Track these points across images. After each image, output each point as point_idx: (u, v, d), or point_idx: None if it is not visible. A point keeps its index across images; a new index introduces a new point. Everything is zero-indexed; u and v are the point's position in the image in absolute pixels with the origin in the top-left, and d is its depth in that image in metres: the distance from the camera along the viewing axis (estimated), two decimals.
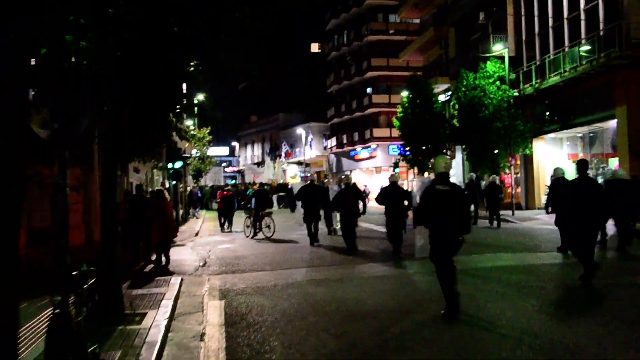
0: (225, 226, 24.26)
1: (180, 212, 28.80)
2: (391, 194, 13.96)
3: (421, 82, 34.39)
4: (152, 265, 13.51)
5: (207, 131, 37.72)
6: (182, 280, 10.93)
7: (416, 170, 37.24)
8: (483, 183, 25.61)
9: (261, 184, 22.34)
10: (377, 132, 53.85)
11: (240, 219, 22.93)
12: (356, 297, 9.12)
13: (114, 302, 7.60)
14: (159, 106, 8.26)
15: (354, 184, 16.28)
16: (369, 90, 55.65)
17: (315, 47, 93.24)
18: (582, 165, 9.82)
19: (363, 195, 16.05)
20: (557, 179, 13.61)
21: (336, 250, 15.34)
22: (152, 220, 13.28)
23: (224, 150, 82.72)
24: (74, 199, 19.47)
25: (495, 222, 20.82)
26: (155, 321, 7.46)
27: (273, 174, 53.69)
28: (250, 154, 79.89)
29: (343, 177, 14.60)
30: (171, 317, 7.96)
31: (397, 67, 53.40)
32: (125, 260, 13.33)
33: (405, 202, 14.07)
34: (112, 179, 7.93)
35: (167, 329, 7.33)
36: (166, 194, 14.49)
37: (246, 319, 7.95)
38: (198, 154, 38.19)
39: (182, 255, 15.89)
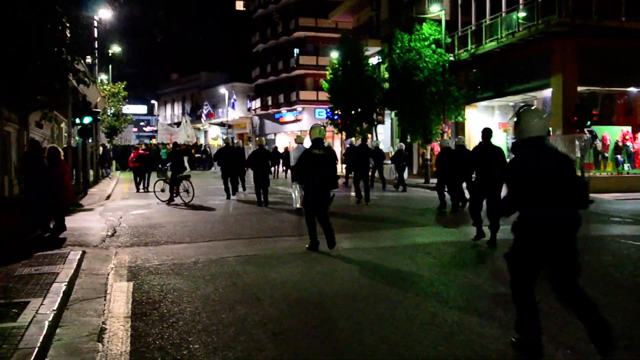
0: (141, 186, 23.10)
1: (91, 172, 26.39)
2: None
3: (352, 43, 32.93)
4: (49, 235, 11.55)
5: (122, 86, 35.00)
6: (83, 254, 9.12)
7: (344, 135, 36.08)
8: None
9: (175, 144, 20.43)
10: (304, 95, 52.33)
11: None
12: (292, 279, 7.70)
13: None
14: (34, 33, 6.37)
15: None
16: (296, 51, 53.76)
17: (240, 5, 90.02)
18: (486, 133, 10.30)
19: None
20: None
21: (273, 221, 13.85)
22: (47, 181, 11.27)
23: (141, 109, 78.82)
24: None
25: (401, 187, 22.48)
26: (39, 314, 5.72)
27: (188, 135, 51.03)
28: (170, 114, 76.44)
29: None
30: (62, 307, 6.25)
31: (326, 29, 51.84)
32: (15, 231, 11.36)
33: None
34: None
35: (54, 324, 5.63)
36: (61, 152, 12.43)
37: (159, 308, 6.35)
38: (112, 111, 35.42)
39: (88, 222, 13.92)
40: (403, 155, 23.56)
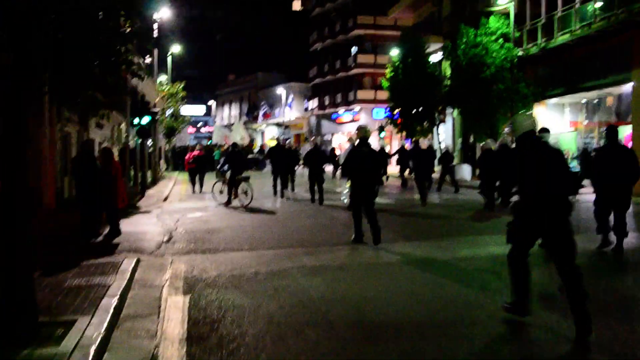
0: (196, 188, 22.80)
1: (149, 173, 26.25)
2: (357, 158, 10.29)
3: (413, 40, 31.80)
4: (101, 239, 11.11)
5: (181, 86, 34.95)
6: (137, 263, 8.54)
7: (404, 134, 34.99)
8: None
9: (235, 145, 19.84)
10: (362, 94, 51.35)
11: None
12: (366, 295, 6.86)
13: (19, 307, 5.12)
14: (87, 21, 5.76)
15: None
16: (354, 49, 52.87)
17: (297, 5, 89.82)
18: (612, 132, 9.38)
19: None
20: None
21: (331, 224, 13.07)
22: (98, 184, 10.85)
23: (199, 110, 79.49)
24: None
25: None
26: (85, 337, 5.08)
27: (242, 137, 50.93)
28: (227, 114, 76.85)
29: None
30: (111, 326, 5.61)
31: (385, 26, 50.67)
32: (69, 234, 10.94)
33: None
34: (20, 128, 5.42)
35: (101, 350, 4.98)
36: (115, 154, 12.00)
37: (218, 329, 5.63)
38: (171, 111, 35.44)
39: (145, 225, 13.48)
40: (450, 157, 23.16)
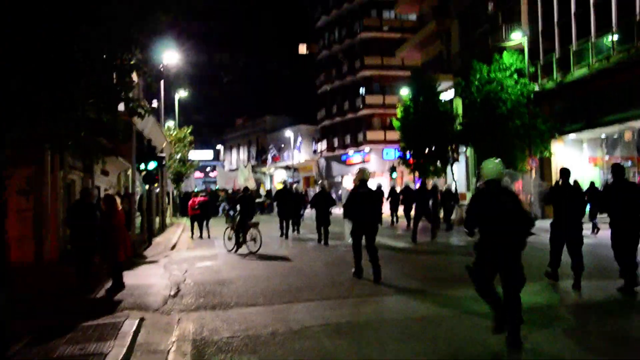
0: (203, 234, 22.27)
1: (157, 219, 25.46)
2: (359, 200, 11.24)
3: (424, 78, 31.29)
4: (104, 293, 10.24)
5: (188, 131, 34.48)
6: (140, 323, 7.66)
7: (416, 174, 34.21)
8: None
9: (246, 189, 19.22)
10: (371, 135, 50.85)
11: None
12: None
13: None
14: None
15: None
16: (362, 90, 52.62)
17: (303, 49, 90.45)
18: (618, 169, 9.57)
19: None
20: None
21: (346, 268, 12.15)
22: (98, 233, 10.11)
23: (207, 154, 79.21)
24: (23, 205, 16.11)
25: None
26: None
27: (245, 178, 49.93)
28: (235, 158, 76.48)
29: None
30: None
31: (392, 66, 50.64)
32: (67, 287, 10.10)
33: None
34: None
35: None
36: (118, 201, 11.21)
37: None
38: (179, 156, 34.86)
39: (151, 277, 12.60)
40: (453, 196, 23.64)
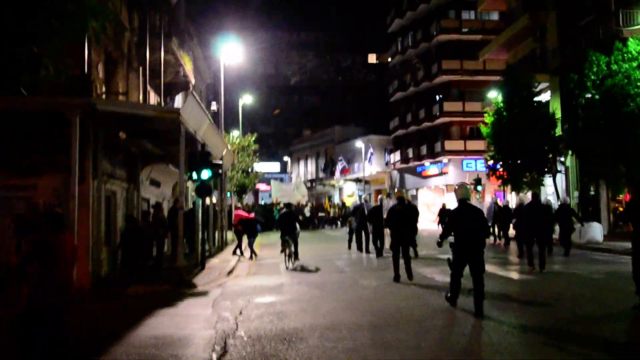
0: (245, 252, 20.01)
1: (216, 236, 22.44)
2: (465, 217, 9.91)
3: (521, 78, 27.23)
4: None
5: (253, 138, 31.55)
6: None
7: (508, 188, 30.06)
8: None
9: (288, 205, 19.26)
10: (450, 145, 46.63)
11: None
12: None
13: None
14: None
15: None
16: (438, 97, 48.59)
17: (373, 58, 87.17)
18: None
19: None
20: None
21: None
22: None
23: (274, 166, 76.79)
24: None
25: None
26: None
27: (302, 194, 46.46)
28: (303, 170, 73.60)
29: (396, 191, 15.13)
30: None
31: (473, 71, 46.54)
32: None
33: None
34: None
35: None
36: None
37: None
38: (242, 166, 31.94)
39: (192, 322, 9.33)
40: (570, 211, 19.08)
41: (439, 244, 9.91)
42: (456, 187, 9.93)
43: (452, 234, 9.47)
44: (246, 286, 13.30)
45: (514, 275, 14.01)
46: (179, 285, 13.24)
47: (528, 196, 25.23)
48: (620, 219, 12.35)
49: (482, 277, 9.00)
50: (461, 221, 9.33)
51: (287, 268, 16.48)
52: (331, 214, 48.01)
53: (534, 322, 8.55)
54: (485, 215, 10.24)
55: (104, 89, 14.62)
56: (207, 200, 18.52)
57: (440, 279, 12.72)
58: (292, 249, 17.08)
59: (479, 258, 9.09)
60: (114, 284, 13.18)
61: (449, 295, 9.64)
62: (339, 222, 45.52)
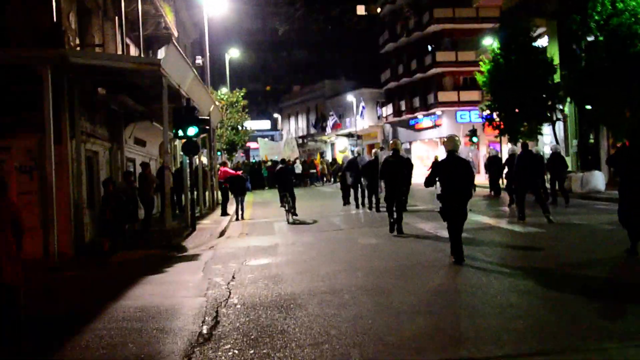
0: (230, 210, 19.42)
1: (207, 196, 21.66)
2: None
3: (517, 23, 26.14)
4: None
5: (241, 94, 30.45)
6: None
7: (505, 138, 29.26)
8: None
9: (283, 161, 19.56)
10: (443, 97, 45.52)
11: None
12: None
13: None
14: None
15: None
16: (430, 47, 47.26)
17: (361, 9, 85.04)
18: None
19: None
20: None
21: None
22: None
23: (265, 124, 75.53)
24: (25, 186, 12.38)
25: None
26: None
27: (291, 150, 45.57)
28: (294, 127, 72.47)
29: (391, 142, 14.31)
30: None
31: (466, 19, 45.07)
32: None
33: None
34: None
35: None
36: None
37: None
38: (231, 123, 30.93)
39: (181, 289, 8.65)
40: (562, 161, 18.72)
41: (427, 185, 10.12)
42: (445, 139, 10.13)
43: (440, 185, 9.79)
44: (239, 248, 12.59)
45: (518, 228, 13.34)
46: (168, 249, 12.53)
47: (518, 146, 24.68)
48: (607, 162, 11.80)
49: (462, 225, 9.41)
50: (450, 171, 9.50)
51: (287, 222, 16.61)
52: (321, 171, 47.25)
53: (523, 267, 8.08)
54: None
55: (77, 41, 13.56)
56: (196, 159, 17.60)
57: (441, 234, 12.06)
58: (291, 204, 16.95)
59: (462, 207, 9.35)
60: (98, 251, 12.42)
61: (452, 254, 9.43)
62: (331, 179, 44.93)
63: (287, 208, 16.96)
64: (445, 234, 10.17)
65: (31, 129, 11.87)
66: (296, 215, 17.04)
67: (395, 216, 12.80)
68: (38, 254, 11.70)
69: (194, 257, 11.60)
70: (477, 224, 13.91)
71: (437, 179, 9.77)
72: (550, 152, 19.51)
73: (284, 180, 17.64)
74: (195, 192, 17.82)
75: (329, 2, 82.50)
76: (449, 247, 9.57)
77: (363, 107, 53.15)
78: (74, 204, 12.44)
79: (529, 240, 11.57)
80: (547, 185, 18.39)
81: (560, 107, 26.96)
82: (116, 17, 16.31)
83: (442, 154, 31.90)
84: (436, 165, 10.33)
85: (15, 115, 12.06)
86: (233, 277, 9.15)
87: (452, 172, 9.45)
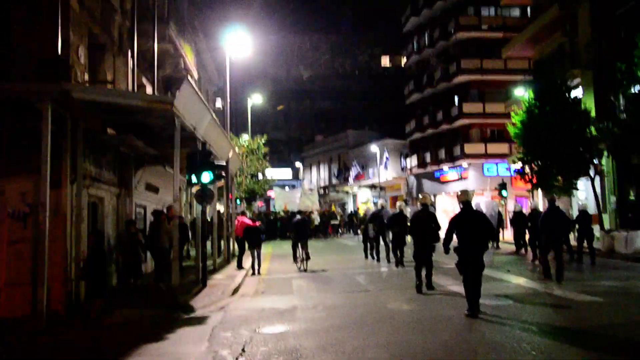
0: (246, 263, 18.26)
1: (222, 246, 20.33)
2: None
3: (554, 72, 24.96)
4: None
5: (262, 141, 29.40)
6: None
7: (537, 192, 27.70)
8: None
9: (299, 212, 15.87)
10: (469, 149, 44.20)
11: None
12: None
13: None
14: None
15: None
16: (457, 98, 46.23)
17: (386, 61, 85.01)
18: None
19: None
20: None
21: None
22: None
23: (286, 173, 74.59)
24: (17, 234, 11.16)
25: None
26: None
27: (312, 202, 44.47)
28: (315, 177, 71.38)
29: (420, 197, 13.91)
30: None
31: (493, 70, 44.15)
32: None
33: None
34: None
35: None
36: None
37: None
38: (252, 171, 29.79)
39: None
40: (588, 217, 18.41)
41: (446, 251, 10.16)
42: (459, 193, 10.42)
43: (457, 237, 9.90)
44: (253, 309, 11.14)
45: (570, 295, 11.75)
46: (173, 309, 11.13)
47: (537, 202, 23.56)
48: None
49: (480, 278, 9.59)
50: (465, 223, 9.82)
51: (300, 270, 17.37)
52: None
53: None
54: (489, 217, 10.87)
55: (87, 78, 12.54)
56: (209, 208, 16.35)
57: (488, 301, 10.55)
58: (303, 252, 17.58)
59: (478, 258, 9.53)
60: (88, 312, 11.03)
61: (468, 307, 9.55)
62: (348, 230, 44.19)
63: (300, 258, 17.75)
64: (485, 301, 8.84)
65: (28, 170, 10.75)
66: (309, 258, 17.63)
67: (425, 274, 12.51)
68: (26, 311, 10.40)
69: (201, 320, 10.18)
70: (520, 288, 12.40)
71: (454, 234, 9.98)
72: (578, 209, 19.28)
73: (301, 231, 18.06)
74: (209, 243, 16.53)
75: (354, 53, 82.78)
76: (489, 315, 8.07)
77: (387, 158, 51.97)
78: (71, 256, 11.18)
79: (589, 311, 9.98)
80: (574, 243, 18.35)
81: (596, 161, 25.47)
82: (132, 55, 15.36)
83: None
84: (452, 221, 10.14)
85: (11, 154, 10.97)
86: (243, 350, 7.73)
87: (467, 223, 9.80)
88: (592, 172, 23.95)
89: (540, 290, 12.36)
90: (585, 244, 18.11)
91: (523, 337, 7.79)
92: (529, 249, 20.27)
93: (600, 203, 27.11)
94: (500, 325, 8.66)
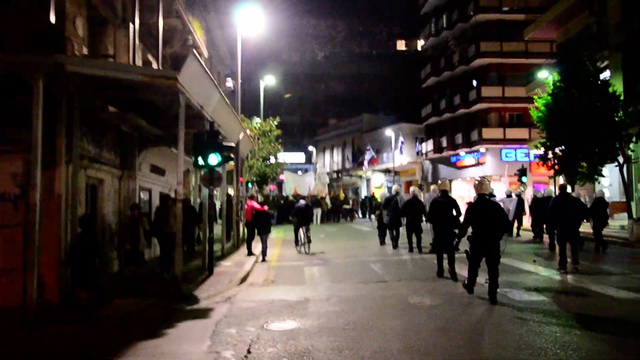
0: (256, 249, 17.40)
1: (230, 234, 19.53)
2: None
3: (580, 54, 23.77)
4: None
5: (275, 123, 28.46)
6: None
7: (560, 179, 26.55)
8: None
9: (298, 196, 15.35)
10: (487, 133, 43.05)
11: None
12: None
13: None
14: None
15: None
16: (475, 82, 44.96)
17: (401, 45, 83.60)
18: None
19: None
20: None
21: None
22: None
23: (299, 157, 73.68)
24: (8, 219, 10.35)
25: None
26: None
27: (323, 184, 43.82)
28: (329, 161, 70.45)
29: (440, 182, 13.67)
30: None
31: (513, 53, 42.89)
32: None
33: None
34: None
35: None
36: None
37: None
38: (263, 154, 28.91)
39: None
40: (604, 205, 17.55)
41: (456, 246, 10.88)
42: (476, 182, 10.34)
43: (471, 227, 9.84)
44: (261, 301, 10.30)
45: (610, 291, 10.79)
46: (176, 299, 10.31)
47: (549, 189, 22.56)
48: None
49: (497, 268, 9.49)
50: (479, 215, 9.72)
51: (304, 252, 17.80)
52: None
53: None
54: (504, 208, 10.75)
55: (86, 51, 11.67)
56: (218, 191, 15.51)
57: (511, 294, 9.66)
58: (306, 237, 17.90)
59: (494, 250, 9.52)
60: (78, 302, 10.23)
61: (466, 283, 10.10)
62: (363, 215, 43.61)
63: (303, 242, 18.02)
64: (516, 296, 7.97)
65: (19, 149, 9.93)
66: (311, 242, 18.06)
67: (447, 262, 12.12)
68: (17, 301, 9.63)
69: (204, 313, 9.36)
70: (550, 281, 11.47)
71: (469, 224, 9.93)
72: (595, 196, 18.26)
73: (305, 216, 18.34)
74: (219, 228, 15.72)
75: (369, 36, 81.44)
76: (523, 313, 7.16)
77: (402, 142, 50.92)
78: (66, 241, 10.38)
79: (633, 309, 9.04)
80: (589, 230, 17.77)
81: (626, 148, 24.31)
82: (136, 30, 14.44)
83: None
84: (468, 211, 9.98)
85: (1, 132, 10.15)
86: (248, 352, 6.90)
87: (482, 214, 9.71)
88: (620, 159, 22.85)
89: (573, 283, 11.41)
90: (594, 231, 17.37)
91: (566, 342, 6.88)
92: (545, 236, 19.52)
93: (620, 191, 25.96)
94: (538, 326, 7.75)
